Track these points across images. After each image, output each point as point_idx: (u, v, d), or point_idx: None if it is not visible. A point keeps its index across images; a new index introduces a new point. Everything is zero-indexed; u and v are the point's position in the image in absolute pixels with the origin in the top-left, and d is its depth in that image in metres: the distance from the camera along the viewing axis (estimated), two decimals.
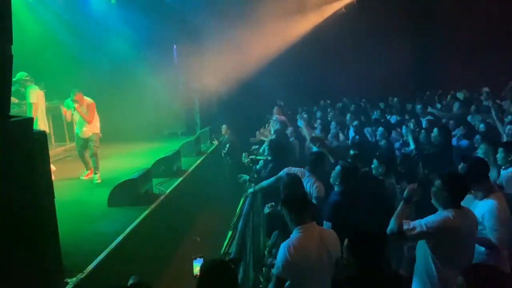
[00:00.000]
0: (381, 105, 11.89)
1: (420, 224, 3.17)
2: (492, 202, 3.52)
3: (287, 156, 6.49)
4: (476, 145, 6.16)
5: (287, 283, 3.22)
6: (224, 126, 10.97)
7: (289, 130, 8.70)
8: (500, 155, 4.63)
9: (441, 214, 3.21)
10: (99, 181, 7.95)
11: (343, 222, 3.81)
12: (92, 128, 7.97)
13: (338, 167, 4.31)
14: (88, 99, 7.94)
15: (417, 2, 14.83)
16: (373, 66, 14.13)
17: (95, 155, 7.97)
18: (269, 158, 6.44)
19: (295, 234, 3.25)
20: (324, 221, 4.02)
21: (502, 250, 3.47)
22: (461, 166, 4.34)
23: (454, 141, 6.87)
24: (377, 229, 3.96)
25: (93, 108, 7.97)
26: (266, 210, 4.93)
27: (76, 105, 7.78)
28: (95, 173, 8.02)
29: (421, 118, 8.46)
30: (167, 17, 11.80)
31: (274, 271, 3.20)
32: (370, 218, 3.88)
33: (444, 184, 3.23)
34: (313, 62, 14.60)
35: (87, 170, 8.23)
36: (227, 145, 10.24)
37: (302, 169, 5.18)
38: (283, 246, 3.19)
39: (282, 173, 5.13)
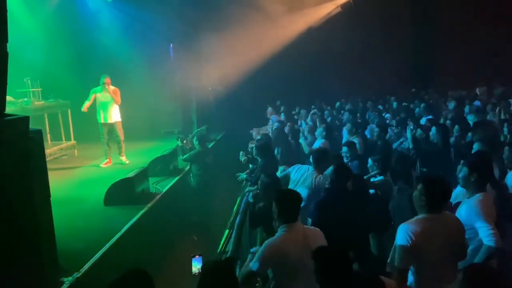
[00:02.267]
0: (369, 103, 11.92)
1: (398, 256, 3.02)
2: (477, 198, 3.39)
3: (274, 155, 6.49)
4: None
5: (272, 284, 3.27)
6: (195, 138, 9.09)
7: (286, 129, 8.67)
8: (505, 153, 4.62)
9: (409, 229, 3.04)
10: (127, 162, 8.93)
11: (325, 220, 3.83)
12: (116, 115, 8.76)
13: (331, 167, 4.33)
14: (112, 87, 8.70)
15: (414, 2, 14.86)
16: (369, 65, 14.18)
17: (121, 142, 8.88)
18: (258, 158, 6.39)
19: (278, 233, 3.29)
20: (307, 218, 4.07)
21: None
22: (460, 166, 4.35)
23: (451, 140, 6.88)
24: (355, 228, 3.97)
25: (119, 93, 8.75)
26: (250, 199, 4.89)
27: (106, 87, 8.55)
28: (122, 156, 9.01)
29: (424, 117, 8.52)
30: (164, 16, 11.77)
31: (251, 264, 3.21)
32: (350, 217, 3.89)
33: (424, 188, 3.08)
34: (310, 61, 14.61)
35: (106, 158, 8.94)
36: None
37: (309, 166, 5.25)
38: (265, 244, 3.24)
39: (291, 169, 5.20)
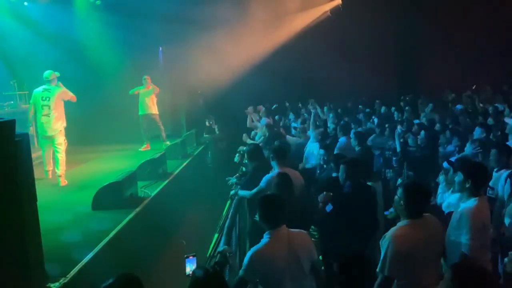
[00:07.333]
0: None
1: (386, 264, 3.07)
2: (471, 204, 3.38)
3: (266, 159, 6.47)
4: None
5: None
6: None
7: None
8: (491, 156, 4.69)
9: (394, 237, 3.11)
10: (167, 143, 10.79)
11: (351, 215, 3.97)
12: (154, 108, 10.76)
13: (342, 165, 4.44)
14: (153, 85, 10.76)
15: (403, 6, 14.98)
16: (357, 69, 14.26)
17: (162, 127, 10.98)
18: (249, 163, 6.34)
19: (264, 240, 3.25)
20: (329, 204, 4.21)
21: (482, 255, 3.29)
22: (448, 170, 4.41)
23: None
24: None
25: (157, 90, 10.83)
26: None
27: (147, 85, 10.61)
28: (166, 141, 11.02)
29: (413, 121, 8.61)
30: (153, 19, 11.72)
31: (240, 272, 3.22)
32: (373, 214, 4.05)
33: (404, 193, 3.19)
34: (300, 64, 14.63)
35: (145, 143, 10.87)
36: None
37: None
38: (249, 252, 3.23)
39: (263, 183, 5.00)
